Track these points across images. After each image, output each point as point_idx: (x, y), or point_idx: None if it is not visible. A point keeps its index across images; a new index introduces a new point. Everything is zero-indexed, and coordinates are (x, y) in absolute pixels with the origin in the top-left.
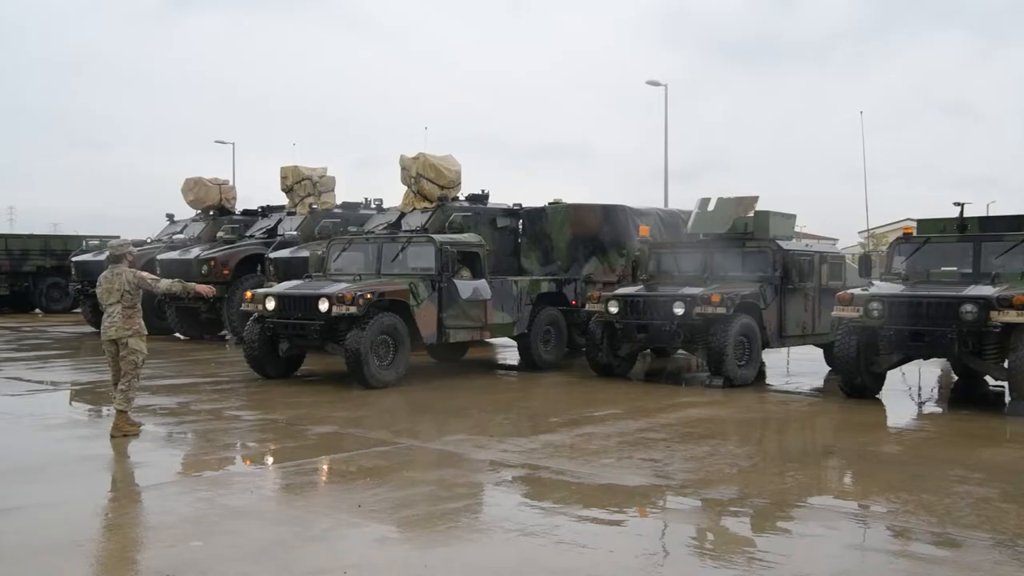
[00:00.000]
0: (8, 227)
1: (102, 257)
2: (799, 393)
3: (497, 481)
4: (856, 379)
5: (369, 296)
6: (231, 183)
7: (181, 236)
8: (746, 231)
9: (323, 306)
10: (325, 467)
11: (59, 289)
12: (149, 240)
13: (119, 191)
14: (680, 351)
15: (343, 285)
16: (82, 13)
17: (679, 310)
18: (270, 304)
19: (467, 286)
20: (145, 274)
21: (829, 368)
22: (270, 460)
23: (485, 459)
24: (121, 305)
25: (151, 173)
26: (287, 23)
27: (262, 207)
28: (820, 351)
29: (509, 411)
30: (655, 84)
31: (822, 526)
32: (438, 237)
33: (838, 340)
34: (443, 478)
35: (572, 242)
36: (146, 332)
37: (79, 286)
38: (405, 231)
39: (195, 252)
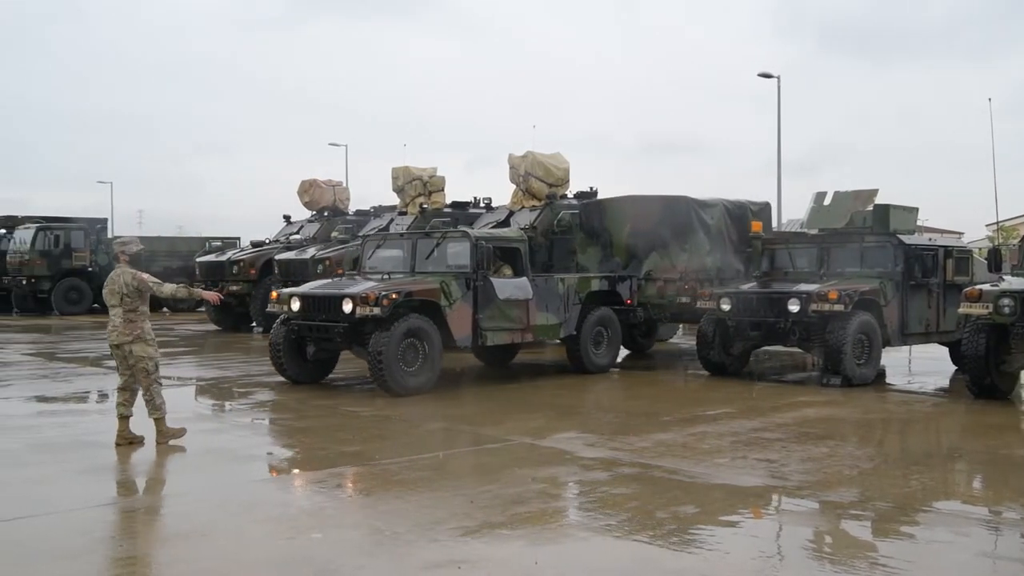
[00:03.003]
0: (137, 230)
1: (223, 258)
2: (923, 393)
3: (609, 479)
4: (985, 379)
5: (394, 296)
6: (344, 184)
7: (297, 236)
8: (865, 225)
9: (347, 307)
10: (437, 463)
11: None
12: (268, 241)
13: (239, 194)
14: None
15: (369, 284)
16: (207, 21)
17: (794, 307)
18: (295, 305)
19: (505, 285)
20: (146, 276)
21: (955, 367)
22: (385, 455)
23: (596, 457)
24: (122, 308)
25: (269, 176)
26: (400, 27)
27: (374, 207)
28: (945, 350)
29: (619, 409)
30: (767, 76)
31: (950, 532)
32: (473, 232)
33: (966, 338)
34: (554, 476)
35: (631, 237)
36: (151, 336)
37: (203, 286)
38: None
39: (311, 252)
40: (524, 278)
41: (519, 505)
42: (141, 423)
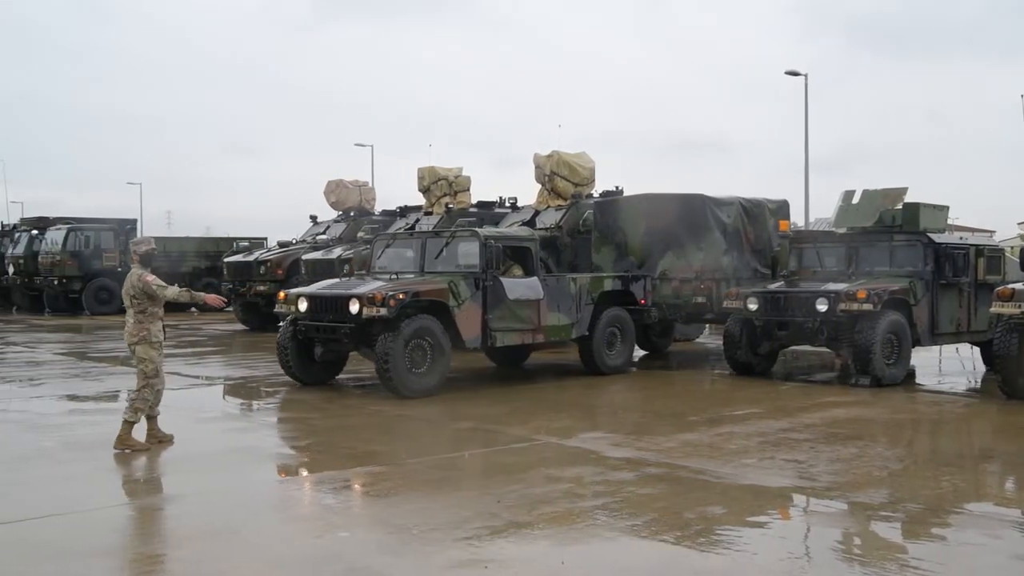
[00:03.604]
0: (166, 230)
1: (251, 258)
2: (953, 393)
3: (635, 479)
4: (1017, 379)
5: (401, 296)
6: (370, 184)
7: (324, 236)
8: (894, 224)
9: (354, 307)
10: (464, 462)
11: (213, 289)
12: (295, 241)
13: (266, 194)
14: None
15: (376, 284)
16: (235, 23)
17: (822, 307)
18: (302, 305)
19: (515, 284)
20: (151, 279)
21: (987, 368)
22: (411, 454)
23: (623, 457)
24: (133, 309)
25: (296, 176)
26: (425, 27)
27: (400, 207)
28: (976, 349)
29: (645, 409)
30: (794, 74)
31: (983, 534)
32: (483, 231)
33: (997, 338)
34: (580, 476)
35: (646, 236)
36: (159, 339)
37: (230, 286)
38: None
39: (337, 252)
40: (534, 278)
41: (546, 505)
42: (170, 422)
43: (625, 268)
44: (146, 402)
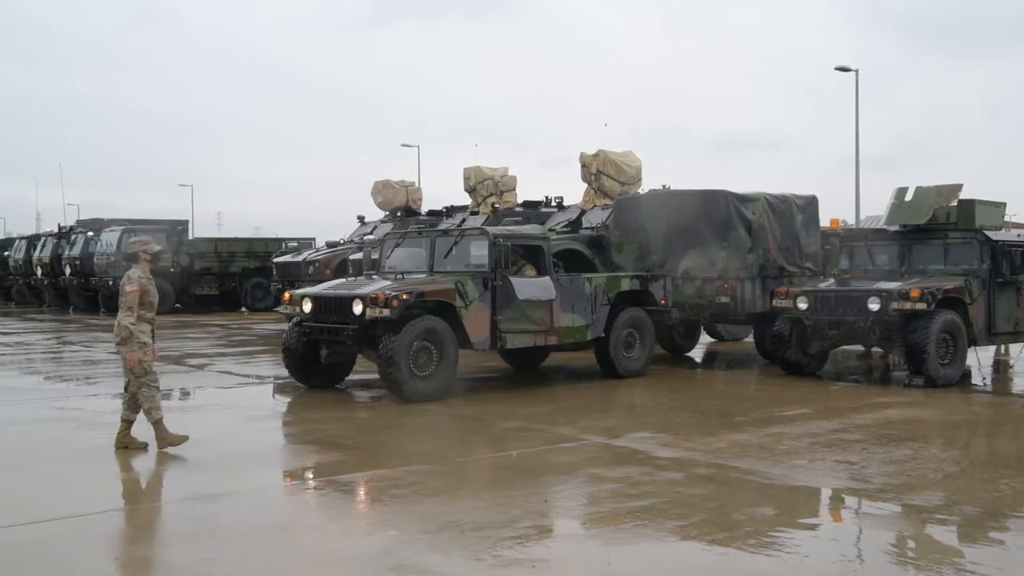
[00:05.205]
0: (216, 231)
1: (299, 259)
2: (1012, 394)
3: (684, 480)
4: None
5: (405, 297)
6: (417, 185)
7: (371, 237)
8: (948, 221)
9: (357, 308)
10: (512, 461)
11: (262, 288)
12: (343, 241)
13: (314, 195)
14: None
15: (380, 285)
16: (286, 28)
17: (874, 306)
18: (307, 306)
19: (526, 284)
20: (132, 289)
21: None
22: (459, 453)
23: (671, 457)
24: (121, 308)
25: (343, 177)
26: (470, 28)
27: (447, 207)
28: None
29: (694, 409)
30: (845, 70)
31: None
32: (492, 229)
33: None
34: (629, 476)
35: (668, 234)
36: (144, 339)
37: (279, 285)
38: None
39: None
40: (546, 278)
41: (593, 505)
42: (222, 421)
43: (646, 267)
44: (153, 399)
